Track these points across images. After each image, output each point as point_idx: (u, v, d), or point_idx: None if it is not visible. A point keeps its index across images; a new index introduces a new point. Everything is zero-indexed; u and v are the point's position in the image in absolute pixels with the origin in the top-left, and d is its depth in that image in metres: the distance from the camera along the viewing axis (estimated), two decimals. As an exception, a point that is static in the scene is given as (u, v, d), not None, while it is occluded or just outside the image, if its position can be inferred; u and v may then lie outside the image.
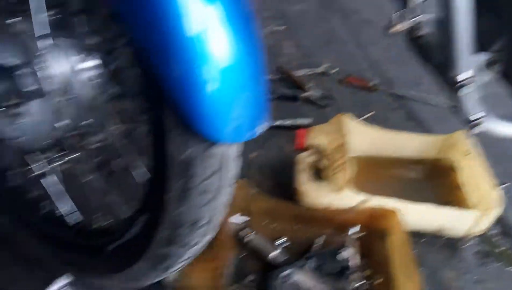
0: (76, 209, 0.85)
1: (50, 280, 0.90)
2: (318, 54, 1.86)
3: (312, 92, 1.59)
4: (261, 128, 0.60)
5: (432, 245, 1.17)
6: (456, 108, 0.83)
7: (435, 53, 0.80)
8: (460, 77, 0.79)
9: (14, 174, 0.83)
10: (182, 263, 0.74)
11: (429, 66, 0.84)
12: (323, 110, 1.55)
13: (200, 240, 0.70)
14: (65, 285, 0.88)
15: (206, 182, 0.61)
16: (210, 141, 0.57)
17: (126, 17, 0.51)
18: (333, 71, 1.73)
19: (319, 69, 1.72)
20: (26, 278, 0.93)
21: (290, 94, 1.57)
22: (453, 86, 0.79)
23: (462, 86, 0.80)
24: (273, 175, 1.28)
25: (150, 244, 0.69)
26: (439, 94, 1.71)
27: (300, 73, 1.70)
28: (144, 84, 0.55)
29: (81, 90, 0.65)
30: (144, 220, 0.70)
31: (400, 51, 1.98)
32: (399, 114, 1.60)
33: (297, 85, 1.62)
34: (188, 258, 0.73)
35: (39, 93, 0.59)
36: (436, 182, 1.31)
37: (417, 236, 1.15)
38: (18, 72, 0.58)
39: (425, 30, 0.81)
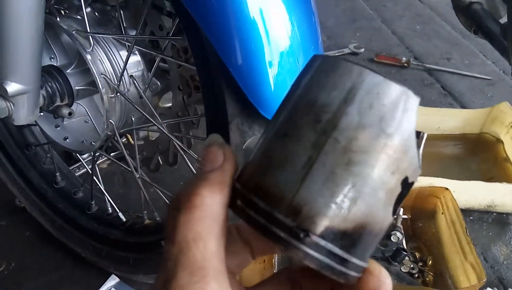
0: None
1: (98, 281, 0.90)
2: (344, 34, 1.81)
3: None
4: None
5: (481, 222, 1.14)
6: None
7: (490, 21, 0.76)
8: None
9: (63, 175, 0.82)
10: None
11: (482, 34, 0.79)
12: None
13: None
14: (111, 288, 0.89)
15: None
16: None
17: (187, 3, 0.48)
18: (362, 50, 1.68)
19: (347, 49, 1.68)
20: (78, 277, 0.94)
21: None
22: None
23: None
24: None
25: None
26: (472, 66, 1.66)
27: (328, 54, 1.66)
28: (201, 76, 0.53)
29: (129, 86, 0.63)
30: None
31: (425, 25, 1.93)
32: (434, 89, 1.55)
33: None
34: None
35: (92, 90, 0.57)
36: (480, 157, 1.26)
37: (464, 214, 1.11)
38: (70, 71, 0.56)
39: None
